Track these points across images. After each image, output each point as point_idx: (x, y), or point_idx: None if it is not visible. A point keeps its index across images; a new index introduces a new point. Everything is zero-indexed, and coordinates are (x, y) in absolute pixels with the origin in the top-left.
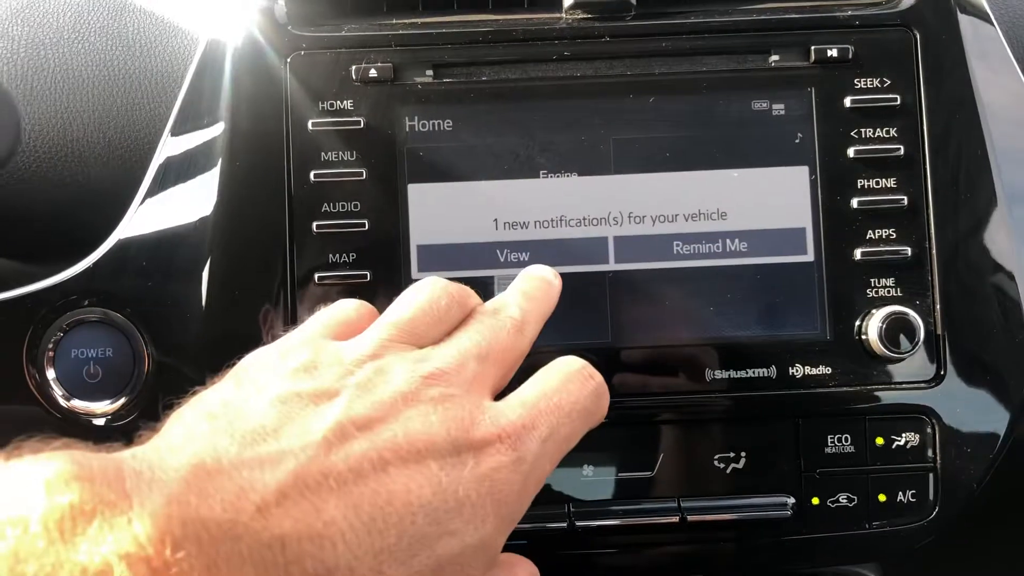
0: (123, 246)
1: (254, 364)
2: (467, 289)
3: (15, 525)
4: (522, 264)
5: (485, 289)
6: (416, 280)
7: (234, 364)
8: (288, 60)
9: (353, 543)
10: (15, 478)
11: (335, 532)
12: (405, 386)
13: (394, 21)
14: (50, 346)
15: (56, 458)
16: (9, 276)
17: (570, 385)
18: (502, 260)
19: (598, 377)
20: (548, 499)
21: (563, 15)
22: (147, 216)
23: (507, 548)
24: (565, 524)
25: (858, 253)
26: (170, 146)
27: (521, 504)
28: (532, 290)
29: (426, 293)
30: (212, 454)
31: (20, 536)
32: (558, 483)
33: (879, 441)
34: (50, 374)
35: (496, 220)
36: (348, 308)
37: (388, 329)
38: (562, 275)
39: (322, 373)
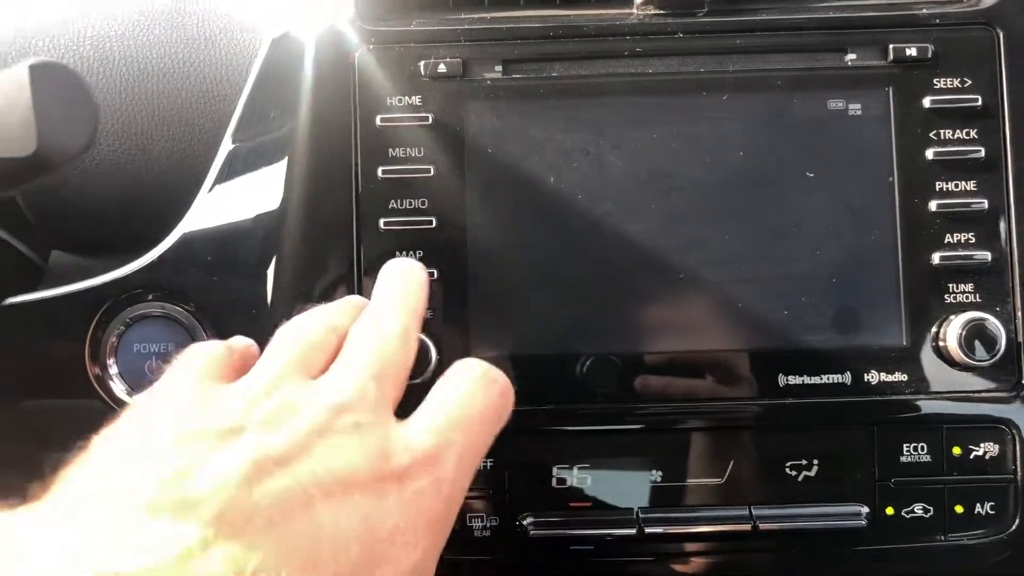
0: (187, 240)
1: (145, 409)
2: (335, 307)
3: None
4: (587, 263)
5: (544, 290)
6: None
7: None
8: (357, 55)
9: None
10: None
11: (264, 574)
12: (315, 418)
13: (462, 16)
14: (113, 339)
15: None
16: (70, 270)
17: (476, 394)
18: (566, 258)
19: (501, 378)
20: (616, 504)
21: (634, 11)
22: (212, 210)
23: (577, 553)
24: (634, 530)
25: (936, 257)
26: (236, 140)
27: (447, 523)
28: (404, 290)
29: (302, 325)
30: (109, 503)
31: None
32: (627, 488)
33: (956, 451)
34: (112, 368)
35: (562, 220)
36: (217, 350)
37: (278, 364)
38: (632, 274)
39: (222, 410)
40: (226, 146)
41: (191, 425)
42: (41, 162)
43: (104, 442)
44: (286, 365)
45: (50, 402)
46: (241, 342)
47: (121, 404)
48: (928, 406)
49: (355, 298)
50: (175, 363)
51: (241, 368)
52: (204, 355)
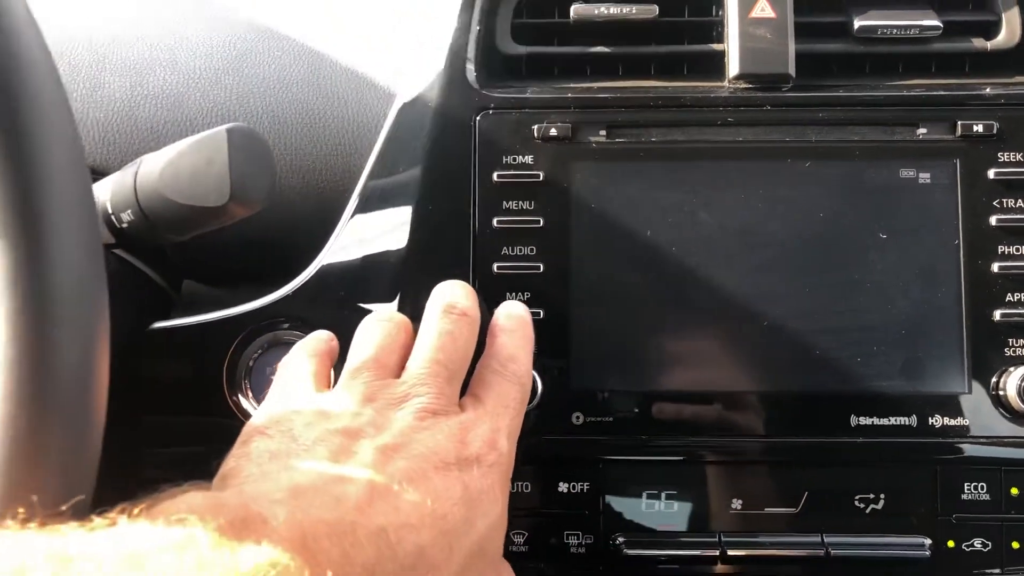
0: (322, 276)
1: (266, 422)
2: (393, 313)
3: (186, 546)
4: (679, 309)
5: (638, 332)
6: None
7: None
8: (478, 118)
9: (430, 527)
10: (167, 513)
11: (416, 521)
12: (408, 419)
13: (571, 85)
14: (249, 363)
15: (194, 498)
16: (200, 299)
17: (505, 386)
18: (659, 304)
19: (523, 375)
20: (701, 528)
21: (726, 84)
22: (344, 250)
23: (664, 571)
24: (718, 552)
25: (998, 314)
26: (367, 188)
27: (507, 488)
28: (524, 334)
29: (375, 329)
30: (296, 479)
31: (196, 554)
32: (710, 514)
33: (1014, 491)
34: (246, 389)
35: (657, 270)
36: (316, 361)
37: (363, 372)
38: (720, 321)
39: (340, 417)
40: (358, 193)
41: (323, 428)
42: (231, 211)
43: (250, 445)
44: (371, 369)
45: (188, 416)
46: (326, 343)
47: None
48: (987, 449)
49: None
50: (284, 372)
51: (331, 363)
52: (307, 367)
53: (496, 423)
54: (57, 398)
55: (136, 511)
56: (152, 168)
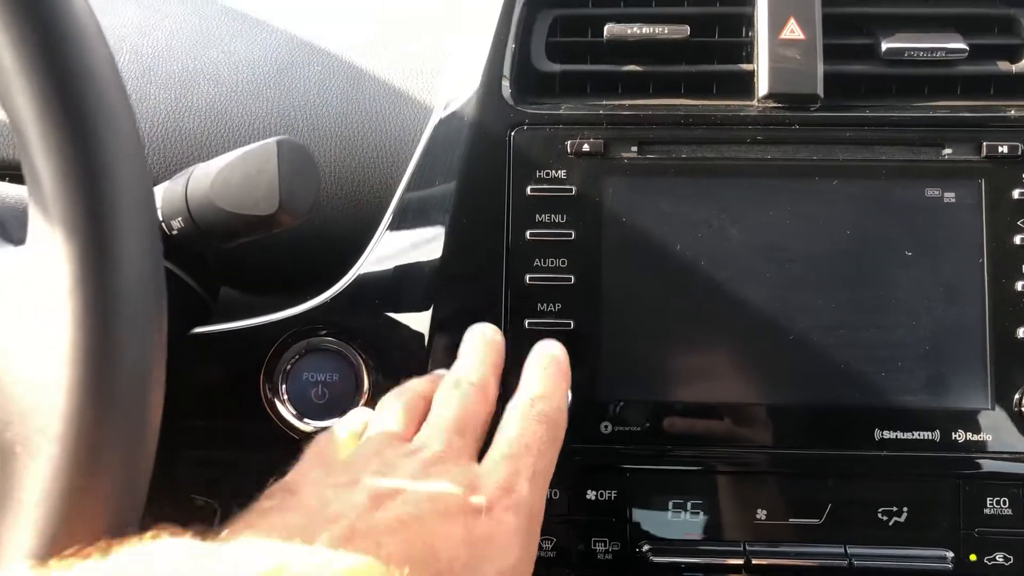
0: (358, 284)
1: (295, 482)
2: (423, 380)
3: None
4: (707, 322)
5: (667, 344)
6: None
7: None
8: (512, 133)
9: (419, 570)
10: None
11: (396, 563)
12: (414, 468)
13: (603, 102)
14: (287, 367)
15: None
16: (236, 307)
17: (530, 428)
18: (688, 317)
19: (551, 411)
20: (725, 537)
21: (755, 103)
22: (380, 260)
23: None
24: (742, 561)
25: (1021, 331)
26: (404, 200)
27: (534, 531)
28: (483, 350)
29: (397, 402)
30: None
31: None
32: (735, 524)
33: None
34: (283, 394)
35: (686, 284)
36: (345, 441)
37: (382, 438)
38: (747, 334)
39: (346, 471)
40: (395, 205)
41: (329, 481)
42: (279, 219)
43: (283, 492)
44: (391, 436)
45: (224, 420)
46: (357, 424)
47: (287, 424)
48: (1009, 465)
49: (440, 371)
50: (318, 446)
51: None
52: (335, 441)
53: (515, 466)
54: (119, 395)
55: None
56: (203, 177)
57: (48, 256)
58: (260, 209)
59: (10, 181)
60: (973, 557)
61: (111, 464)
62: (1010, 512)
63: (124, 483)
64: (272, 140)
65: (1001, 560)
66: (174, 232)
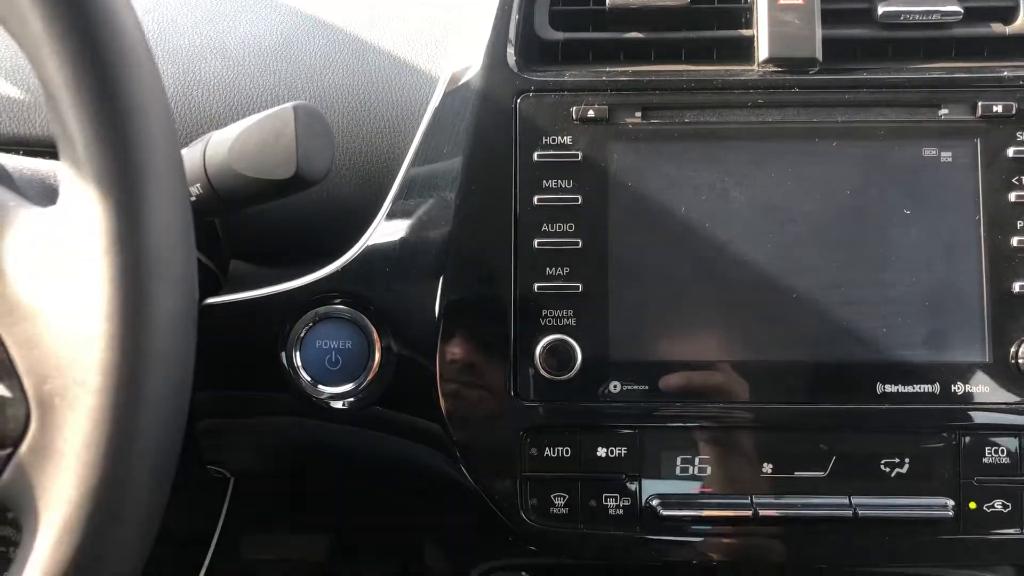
0: (369, 253)
1: None
2: None
3: None
4: (712, 282)
5: (673, 303)
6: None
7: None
8: (518, 100)
9: None
10: None
11: None
12: None
13: (607, 69)
14: (302, 334)
15: None
16: (247, 278)
17: None
18: (693, 277)
19: None
20: (733, 491)
21: (755, 67)
22: (391, 229)
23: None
24: (750, 513)
25: (1017, 286)
26: (412, 169)
27: None
28: None
29: None
30: None
31: None
32: (742, 478)
33: None
34: (297, 360)
35: (691, 245)
36: None
37: None
38: (751, 293)
39: None
40: (403, 173)
41: None
42: (297, 183)
43: None
44: None
45: (239, 390)
46: None
47: (301, 392)
48: (1007, 415)
49: None
50: None
51: None
52: None
53: None
54: (154, 348)
55: None
56: (221, 143)
57: (82, 215)
58: (278, 173)
59: (24, 155)
60: (973, 505)
61: (148, 415)
62: (1008, 461)
63: (160, 434)
64: (289, 105)
65: (1000, 507)
66: (192, 199)
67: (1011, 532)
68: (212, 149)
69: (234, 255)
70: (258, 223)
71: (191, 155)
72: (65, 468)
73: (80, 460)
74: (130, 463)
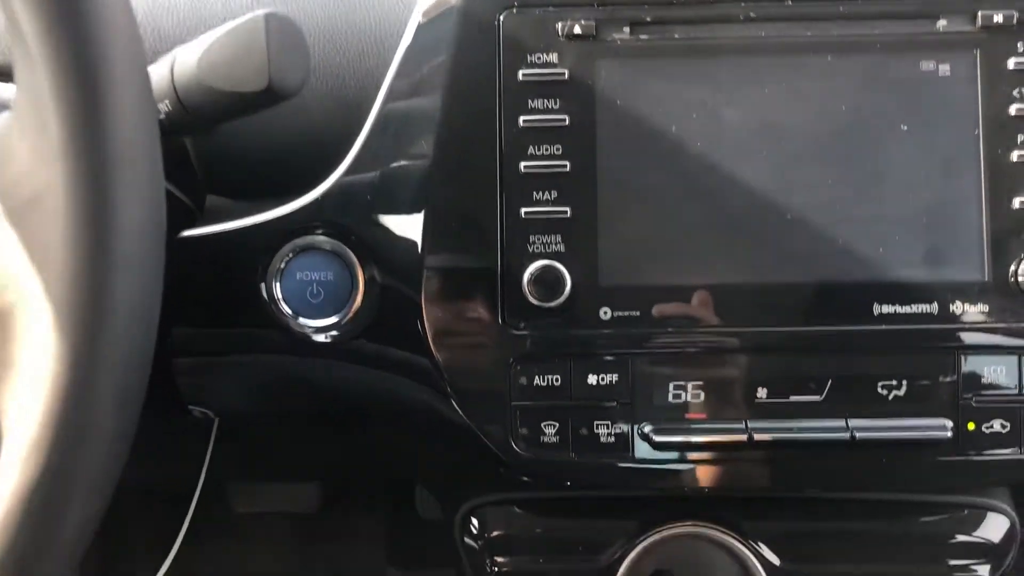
0: (349, 181)
1: None
2: None
3: None
4: (704, 202)
5: (665, 226)
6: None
7: None
8: (500, 17)
9: None
10: None
11: None
12: None
13: None
14: (280, 266)
15: None
16: (221, 213)
17: None
18: (685, 198)
19: None
20: (727, 417)
21: None
22: (370, 154)
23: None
24: (745, 438)
25: (1017, 202)
26: (391, 92)
27: None
28: None
29: None
30: None
31: None
32: (736, 403)
33: None
34: (277, 293)
35: (682, 165)
36: None
37: None
38: (744, 213)
39: None
40: (383, 95)
41: None
42: (270, 96)
43: None
44: None
45: (219, 326)
46: None
47: (283, 325)
48: (1006, 334)
49: None
50: None
51: None
52: None
53: None
54: (121, 248)
55: None
56: (189, 57)
57: (37, 118)
58: (250, 86)
59: None
60: (971, 426)
61: (114, 326)
62: (1006, 381)
63: (127, 346)
64: (259, 13)
65: (998, 428)
66: (161, 117)
67: (1009, 452)
68: (180, 63)
69: (210, 190)
70: (233, 154)
71: (158, 71)
72: (27, 382)
73: (43, 372)
74: (96, 375)
